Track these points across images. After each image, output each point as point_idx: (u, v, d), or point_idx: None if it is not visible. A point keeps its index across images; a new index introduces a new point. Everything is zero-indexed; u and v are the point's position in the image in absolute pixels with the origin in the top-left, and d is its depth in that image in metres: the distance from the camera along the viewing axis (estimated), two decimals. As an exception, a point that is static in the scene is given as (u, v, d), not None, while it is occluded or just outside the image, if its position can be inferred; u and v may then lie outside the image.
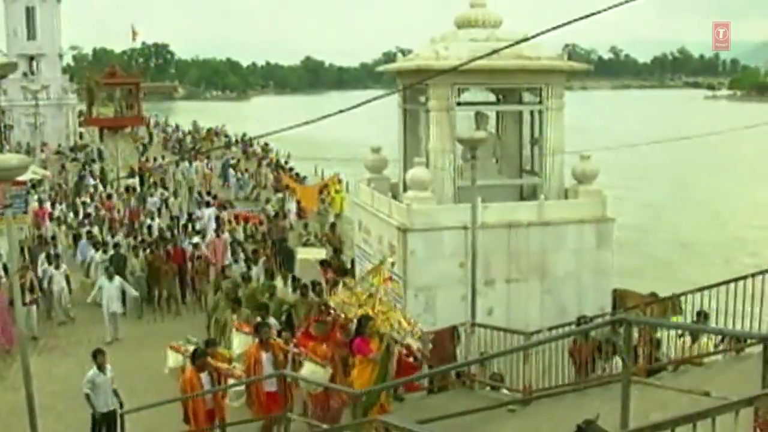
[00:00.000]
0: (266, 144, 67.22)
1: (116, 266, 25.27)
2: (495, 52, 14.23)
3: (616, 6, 9.48)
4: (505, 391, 15.08)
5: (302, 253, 29.19)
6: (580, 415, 9.34)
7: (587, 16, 9.62)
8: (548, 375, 14.78)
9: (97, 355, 15.91)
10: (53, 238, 30.66)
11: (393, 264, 16.89)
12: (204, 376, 14.31)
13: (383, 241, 20.09)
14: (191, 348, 15.56)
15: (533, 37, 12.72)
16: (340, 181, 45.94)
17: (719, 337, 14.14)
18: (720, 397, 7.14)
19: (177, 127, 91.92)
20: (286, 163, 58.84)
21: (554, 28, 9.86)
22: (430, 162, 19.76)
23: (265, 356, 14.42)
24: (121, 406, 16.02)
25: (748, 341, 12.22)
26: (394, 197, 20.60)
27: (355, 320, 14.42)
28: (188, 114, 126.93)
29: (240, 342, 16.13)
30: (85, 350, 22.40)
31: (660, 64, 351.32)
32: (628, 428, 8.54)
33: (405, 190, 20.00)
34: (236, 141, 64.25)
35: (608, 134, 69.96)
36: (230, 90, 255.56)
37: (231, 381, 14.71)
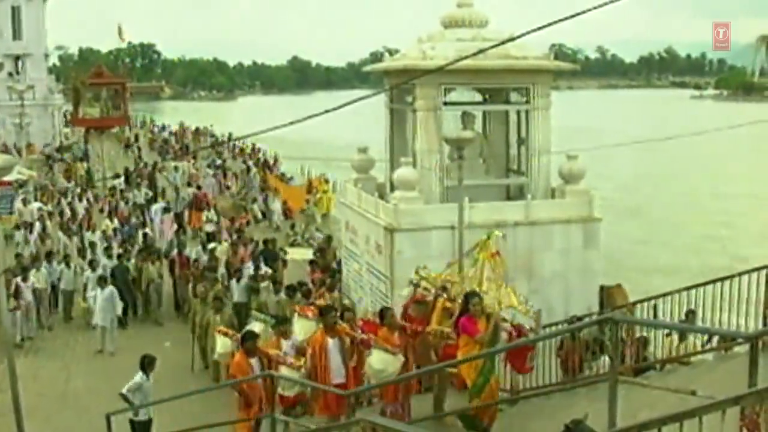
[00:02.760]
0: (254, 144, 67.14)
1: (122, 277, 24.76)
2: (481, 51, 14.21)
3: (602, 5, 9.46)
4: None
5: (290, 254, 29.19)
6: (568, 414, 9.34)
7: (573, 16, 9.60)
8: (536, 374, 14.78)
9: (147, 362, 15.35)
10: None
11: (504, 236, 15.86)
12: (254, 362, 13.56)
13: (370, 241, 20.09)
14: (259, 326, 15.37)
15: (519, 36, 12.70)
16: (327, 181, 45.90)
17: (706, 336, 14.21)
18: (707, 397, 7.14)
19: (164, 127, 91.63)
20: (275, 163, 58.66)
21: (540, 28, 9.84)
22: (417, 162, 19.76)
23: (331, 342, 13.37)
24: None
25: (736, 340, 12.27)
26: (381, 197, 20.62)
27: (460, 299, 13.61)
28: (175, 114, 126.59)
29: (302, 328, 14.88)
30: (71, 353, 22.41)
31: (647, 64, 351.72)
32: (615, 427, 8.52)
33: (392, 190, 20.02)
34: (222, 141, 64.01)
35: (596, 134, 70.01)
36: (217, 90, 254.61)
37: (282, 369, 13.72)
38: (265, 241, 28.11)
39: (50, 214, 36.27)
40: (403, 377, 13.05)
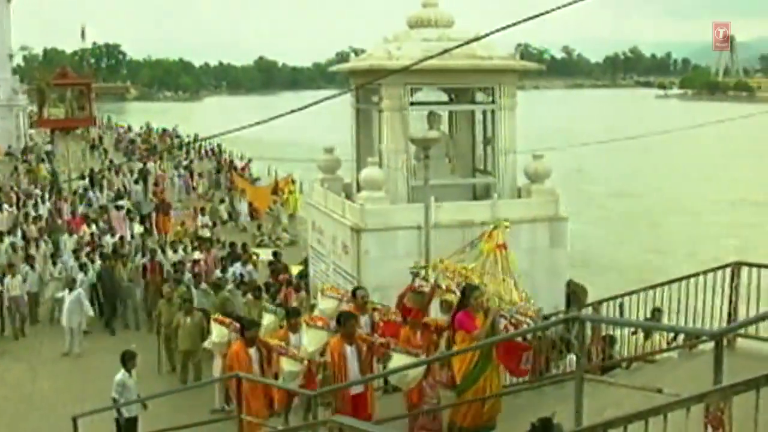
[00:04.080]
0: (219, 145, 66.99)
1: (110, 280, 24.46)
2: (446, 51, 14.23)
3: (567, 5, 9.50)
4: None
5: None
6: (535, 413, 9.38)
7: (538, 16, 9.63)
8: (503, 373, 14.79)
9: (128, 359, 15.30)
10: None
11: (507, 227, 15.28)
12: (253, 352, 13.24)
13: (337, 242, 20.05)
14: (269, 318, 15.12)
15: (485, 36, 12.75)
16: (293, 182, 45.83)
17: (672, 334, 14.29)
18: (672, 394, 7.18)
19: (129, 127, 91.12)
20: (249, 163, 58.49)
21: (505, 28, 9.87)
22: (383, 162, 19.75)
23: (349, 350, 12.73)
24: (145, 407, 15.32)
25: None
26: (348, 197, 20.59)
27: (458, 291, 13.25)
28: (141, 115, 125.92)
29: (312, 338, 13.97)
30: (37, 355, 22.21)
31: (612, 64, 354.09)
32: (581, 426, 8.55)
33: (358, 190, 19.99)
34: (188, 142, 63.75)
35: (562, 134, 70.36)
36: (183, 90, 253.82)
37: (284, 361, 13.25)
38: (232, 244, 28.00)
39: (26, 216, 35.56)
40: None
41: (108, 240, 29.42)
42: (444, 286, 14.18)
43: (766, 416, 6.06)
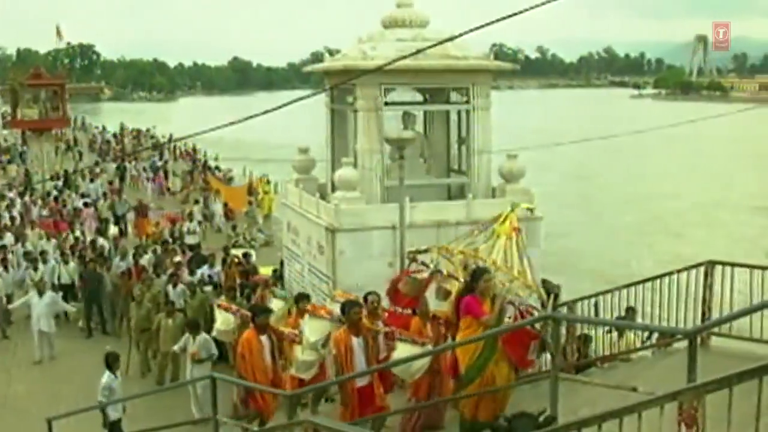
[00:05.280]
0: (194, 145, 66.80)
1: (93, 285, 23.81)
2: (420, 51, 14.22)
3: (541, 5, 9.50)
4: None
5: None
6: (510, 412, 9.39)
7: (512, 16, 9.63)
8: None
9: (111, 360, 15.10)
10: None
11: (532, 210, 14.69)
12: (264, 340, 12.66)
13: (312, 242, 20.03)
14: (278, 303, 14.85)
15: (459, 36, 12.71)
16: (268, 182, 45.74)
17: (645, 333, 14.34)
18: (646, 393, 7.20)
19: (104, 128, 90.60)
20: (217, 166, 58.34)
21: (479, 27, 9.86)
22: (358, 162, 19.74)
23: (356, 341, 12.11)
24: (124, 410, 15.17)
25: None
26: (323, 198, 20.57)
27: (460, 276, 12.72)
28: (115, 115, 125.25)
29: (314, 328, 13.62)
30: (12, 357, 22.01)
31: (586, 63, 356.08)
32: (556, 424, 8.56)
33: (333, 190, 19.97)
34: (163, 143, 63.48)
35: (536, 133, 70.55)
36: (157, 91, 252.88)
37: (298, 350, 12.96)
38: (195, 246, 27.90)
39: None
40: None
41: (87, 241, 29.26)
42: (445, 272, 13.53)
43: (739, 414, 6.05)
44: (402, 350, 12.00)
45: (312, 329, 13.54)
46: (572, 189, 60.77)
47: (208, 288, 22.04)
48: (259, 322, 12.74)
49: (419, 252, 14.59)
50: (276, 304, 15.84)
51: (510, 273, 12.70)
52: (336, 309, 13.57)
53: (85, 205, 37.14)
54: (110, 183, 45.56)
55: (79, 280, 24.53)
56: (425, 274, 13.72)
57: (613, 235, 47.51)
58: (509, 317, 12.10)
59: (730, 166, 75.79)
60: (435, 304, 13.27)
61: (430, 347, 12.07)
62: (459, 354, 11.50)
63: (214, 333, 15.98)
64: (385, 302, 14.08)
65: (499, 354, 11.58)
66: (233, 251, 27.16)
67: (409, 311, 13.64)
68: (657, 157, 79.71)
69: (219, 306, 15.42)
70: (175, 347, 17.69)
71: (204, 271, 23.74)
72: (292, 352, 13.59)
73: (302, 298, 14.84)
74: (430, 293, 13.39)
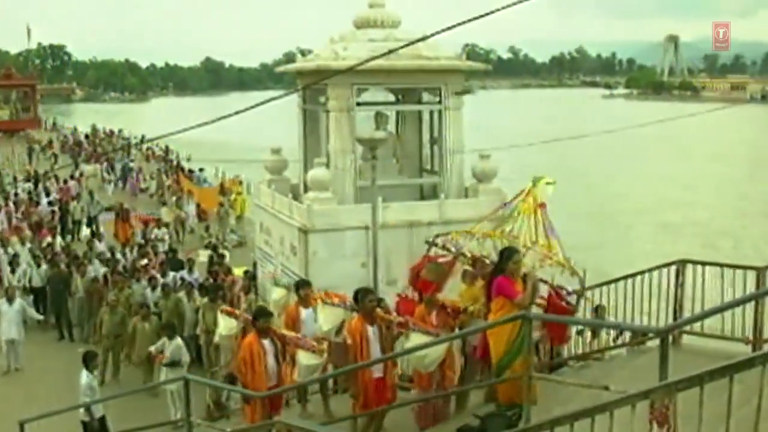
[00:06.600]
0: (167, 146, 66.51)
1: (56, 288, 23.63)
2: (392, 51, 14.20)
3: (512, 5, 9.49)
4: (413, 392, 14.69)
5: (201, 256, 28.98)
6: (483, 411, 9.40)
7: (484, 16, 9.62)
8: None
9: (90, 359, 15.05)
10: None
11: (552, 185, 13.50)
12: (267, 343, 12.11)
13: (285, 243, 19.99)
14: (279, 291, 14.63)
15: (431, 36, 12.69)
16: (241, 183, 45.59)
17: (616, 332, 14.40)
18: (619, 392, 7.22)
19: (75, 129, 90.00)
20: (190, 168, 58.05)
21: (450, 28, 9.85)
22: (330, 162, 19.72)
23: (371, 331, 11.79)
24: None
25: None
26: (295, 198, 20.53)
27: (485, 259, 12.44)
28: (87, 116, 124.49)
29: (328, 316, 13.25)
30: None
31: (558, 64, 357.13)
32: (529, 424, 8.57)
33: (306, 191, 19.94)
34: (135, 144, 63.22)
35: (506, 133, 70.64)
36: (129, 92, 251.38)
37: (301, 354, 12.38)
38: (173, 250, 27.75)
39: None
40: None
41: (59, 243, 29.06)
42: (469, 255, 13.26)
43: (710, 412, 6.08)
44: (415, 340, 11.59)
45: (325, 317, 13.27)
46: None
47: (181, 293, 21.80)
48: (260, 325, 12.18)
49: (440, 235, 14.37)
50: (278, 293, 15.66)
51: (540, 252, 12.38)
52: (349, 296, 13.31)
53: (50, 204, 37.18)
54: (65, 182, 45.06)
55: (47, 284, 24.33)
56: (448, 259, 13.54)
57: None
58: (542, 297, 11.96)
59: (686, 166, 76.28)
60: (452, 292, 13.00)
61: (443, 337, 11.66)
62: (492, 340, 10.89)
63: (216, 338, 15.56)
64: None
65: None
66: (202, 252, 27.15)
67: (417, 298, 13.36)
68: (621, 158, 79.97)
69: (222, 311, 14.95)
70: (152, 348, 17.64)
71: (184, 275, 23.57)
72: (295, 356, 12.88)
73: (303, 285, 14.22)
74: (454, 277, 13.17)
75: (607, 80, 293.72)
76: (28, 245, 28.91)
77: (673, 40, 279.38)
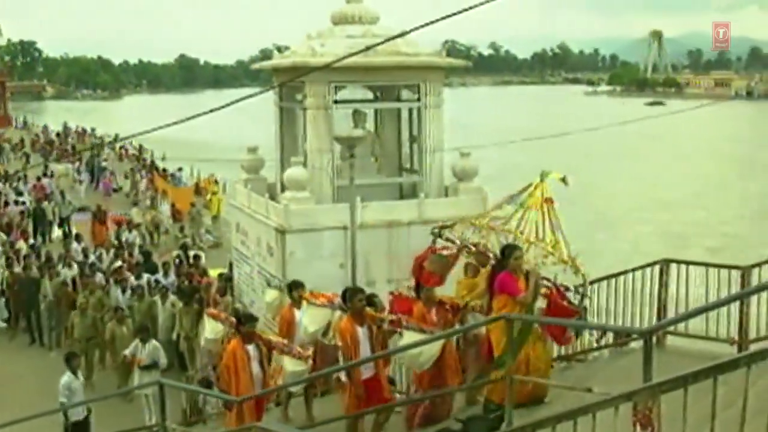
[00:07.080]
0: (141, 145, 66.17)
1: (27, 292, 23.20)
2: (370, 48, 14.05)
3: (492, 0, 9.32)
4: (397, 395, 14.48)
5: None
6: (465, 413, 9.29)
7: (463, 11, 9.45)
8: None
9: (71, 359, 14.99)
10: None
11: (565, 181, 13.00)
12: (251, 349, 11.81)
13: (261, 243, 19.79)
14: (272, 293, 14.51)
15: (409, 32, 12.51)
16: (216, 182, 45.29)
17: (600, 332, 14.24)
18: (602, 393, 7.15)
19: (46, 127, 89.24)
20: (164, 168, 57.74)
21: (429, 24, 9.69)
22: (307, 161, 19.53)
23: (361, 331, 11.57)
24: (90, 411, 15.04)
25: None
26: (272, 198, 20.34)
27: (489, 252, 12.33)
28: (59, 114, 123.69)
29: (313, 317, 13.18)
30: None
31: (540, 60, 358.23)
32: (512, 426, 8.49)
33: (282, 190, 19.76)
34: (109, 142, 62.80)
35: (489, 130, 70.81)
36: (102, 89, 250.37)
37: (287, 360, 12.09)
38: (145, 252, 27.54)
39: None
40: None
41: (22, 245, 28.65)
42: (473, 247, 13.16)
43: (694, 414, 6.07)
44: (408, 338, 11.34)
45: (311, 318, 13.16)
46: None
47: (156, 296, 21.49)
48: (245, 330, 11.89)
49: (444, 227, 14.18)
50: (270, 294, 15.61)
51: (545, 249, 12.11)
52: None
53: (17, 203, 37.24)
54: (38, 179, 44.66)
55: (8, 287, 24.04)
56: (452, 251, 13.42)
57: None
58: (544, 294, 11.84)
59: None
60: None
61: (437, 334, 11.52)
62: (494, 338, 11.02)
63: (202, 342, 15.29)
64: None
65: (534, 335, 11.32)
66: (176, 252, 26.88)
67: (413, 295, 13.14)
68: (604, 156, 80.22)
69: (208, 314, 14.72)
70: (126, 351, 17.45)
71: (159, 278, 23.31)
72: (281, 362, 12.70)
73: (297, 286, 13.99)
74: (457, 270, 13.12)
75: (590, 77, 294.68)
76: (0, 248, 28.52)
77: (657, 36, 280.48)
